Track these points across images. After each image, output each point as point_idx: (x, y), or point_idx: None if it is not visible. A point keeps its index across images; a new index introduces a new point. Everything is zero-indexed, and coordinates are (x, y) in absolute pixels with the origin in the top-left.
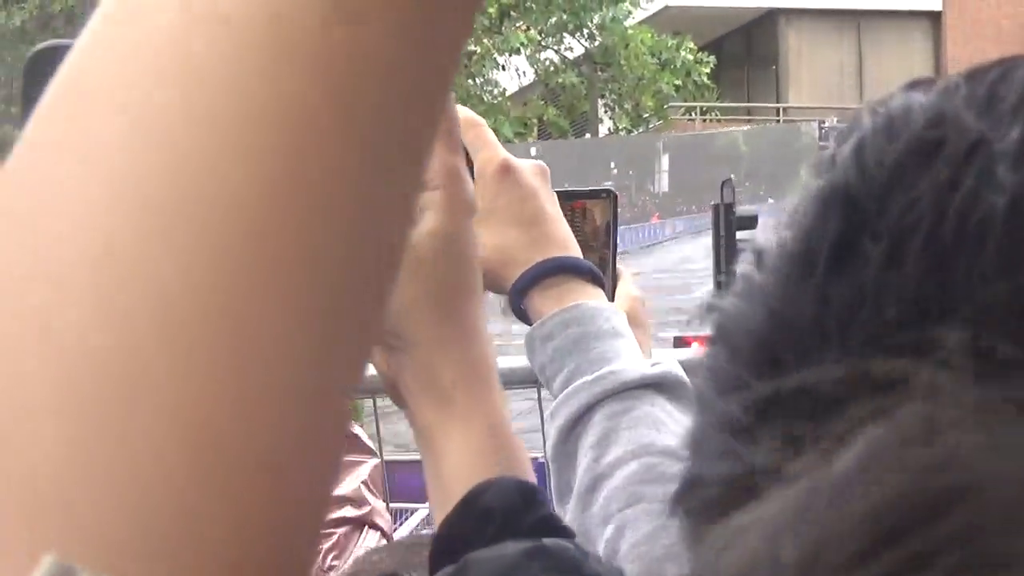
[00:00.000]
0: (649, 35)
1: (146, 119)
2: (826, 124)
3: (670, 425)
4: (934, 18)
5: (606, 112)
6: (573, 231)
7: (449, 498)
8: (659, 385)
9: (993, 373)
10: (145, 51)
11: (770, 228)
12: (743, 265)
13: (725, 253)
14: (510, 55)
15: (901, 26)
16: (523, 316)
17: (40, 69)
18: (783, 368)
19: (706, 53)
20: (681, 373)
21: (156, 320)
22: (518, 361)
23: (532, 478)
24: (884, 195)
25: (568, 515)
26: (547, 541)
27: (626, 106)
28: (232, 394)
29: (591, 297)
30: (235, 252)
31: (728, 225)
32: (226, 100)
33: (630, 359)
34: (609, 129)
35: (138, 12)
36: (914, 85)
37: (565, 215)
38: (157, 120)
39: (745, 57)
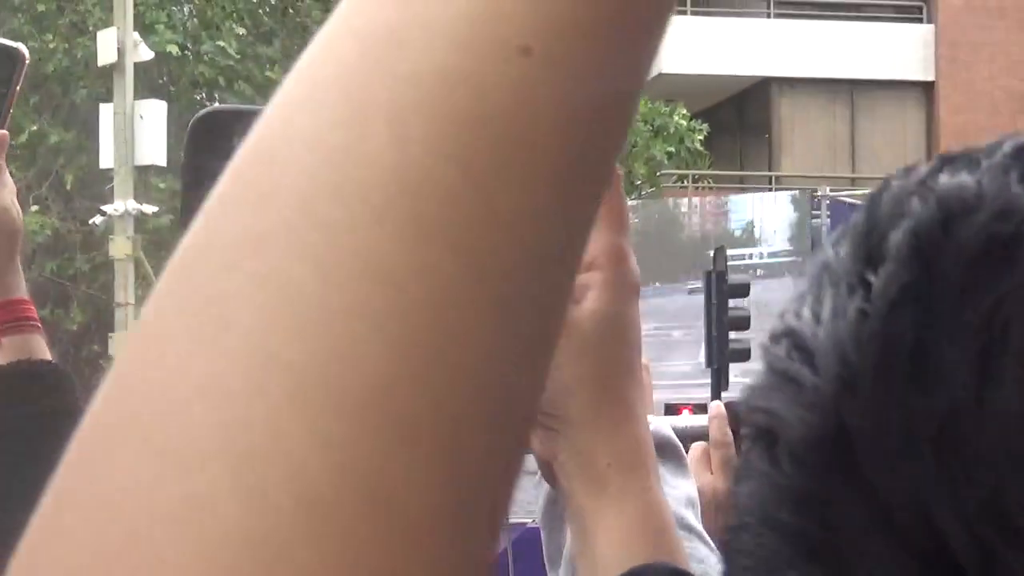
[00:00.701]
0: (642, 102)
1: (280, 288)
2: (819, 193)
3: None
4: (927, 88)
5: None
6: None
7: None
8: None
9: None
10: (276, 218)
11: (799, 313)
12: (780, 358)
13: (716, 320)
14: None
15: (894, 96)
16: None
17: (205, 134)
18: (861, 480)
19: (699, 120)
20: (670, 434)
21: (292, 496)
22: None
23: (687, 564)
24: (960, 296)
25: None
26: None
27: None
28: (371, 564)
29: None
30: (371, 431)
31: (720, 293)
32: (362, 272)
33: None
34: None
35: (267, 180)
36: (951, 161)
37: None
38: (292, 293)
39: (738, 125)
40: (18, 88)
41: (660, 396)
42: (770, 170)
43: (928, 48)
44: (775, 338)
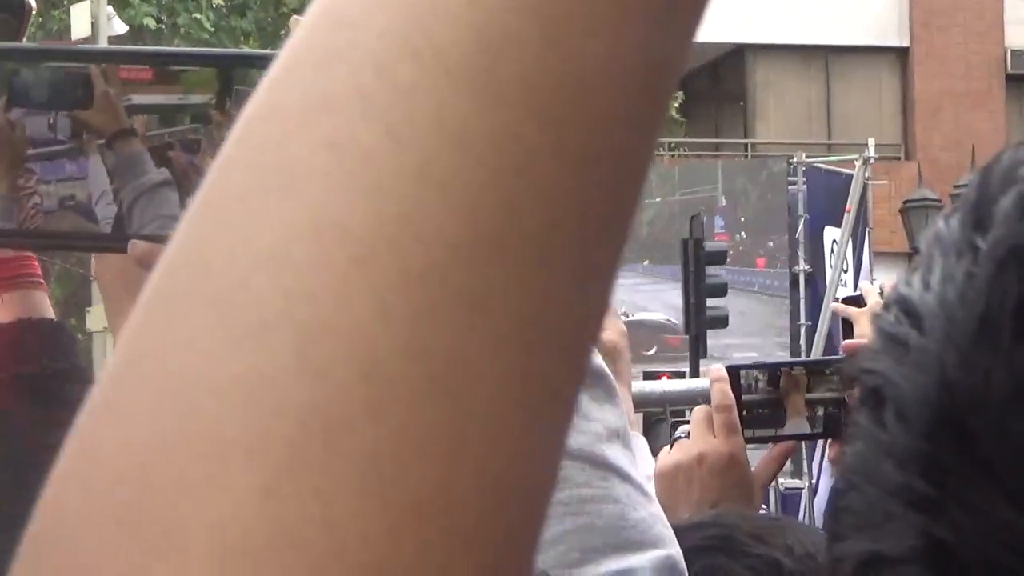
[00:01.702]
0: None
1: (349, 154)
2: (794, 160)
3: (576, 422)
4: (901, 54)
5: None
6: None
7: None
8: None
9: None
10: (345, 81)
11: (909, 282)
12: (890, 323)
13: (694, 288)
14: None
15: (869, 62)
16: None
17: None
18: (968, 439)
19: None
20: (598, 360)
21: (354, 370)
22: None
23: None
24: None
25: None
26: None
27: None
28: (437, 458)
29: None
30: (438, 304)
31: (697, 260)
32: (434, 134)
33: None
34: None
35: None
36: None
37: None
38: (362, 158)
39: (713, 92)
40: (23, 40)
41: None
42: (745, 137)
43: (902, 14)
44: (886, 306)
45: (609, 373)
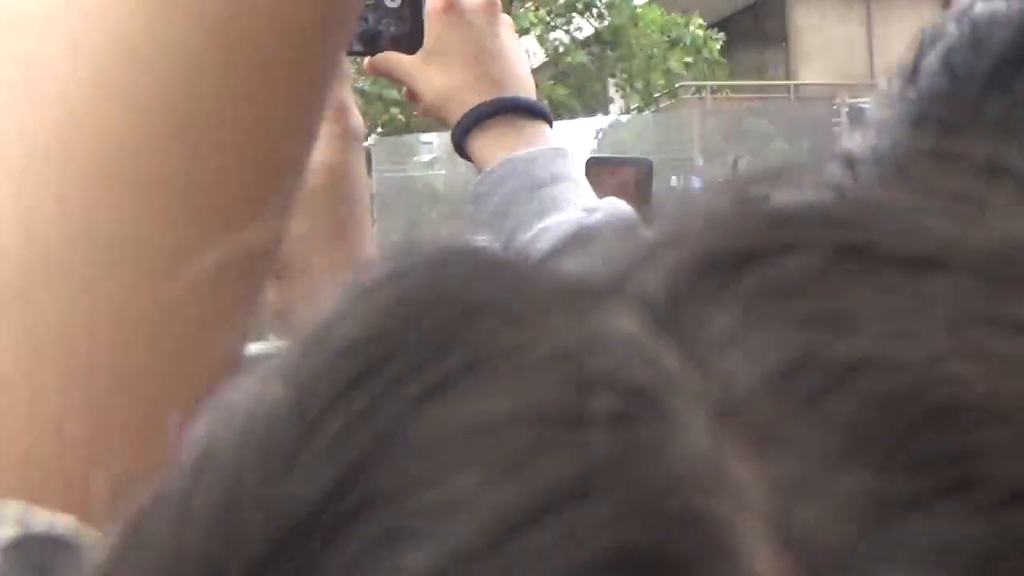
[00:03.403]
0: (658, 13)
1: (35, 68)
2: (837, 101)
3: None
4: None
5: (617, 92)
6: (610, 194)
7: None
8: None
9: None
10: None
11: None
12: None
13: None
14: (520, 35)
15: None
16: (471, 159)
17: None
18: None
19: (715, 30)
20: (623, 210)
21: (29, 248)
22: None
23: None
24: (978, 102)
25: None
26: None
27: (637, 85)
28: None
29: (534, 137)
30: (113, 189)
31: None
32: (110, 46)
33: (568, 207)
34: (620, 108)
35: None
36: None
37: (599, 180)
38: (47, 70)
39: (754, 35)
40: None
41: None
42: (787, 79)
43: None
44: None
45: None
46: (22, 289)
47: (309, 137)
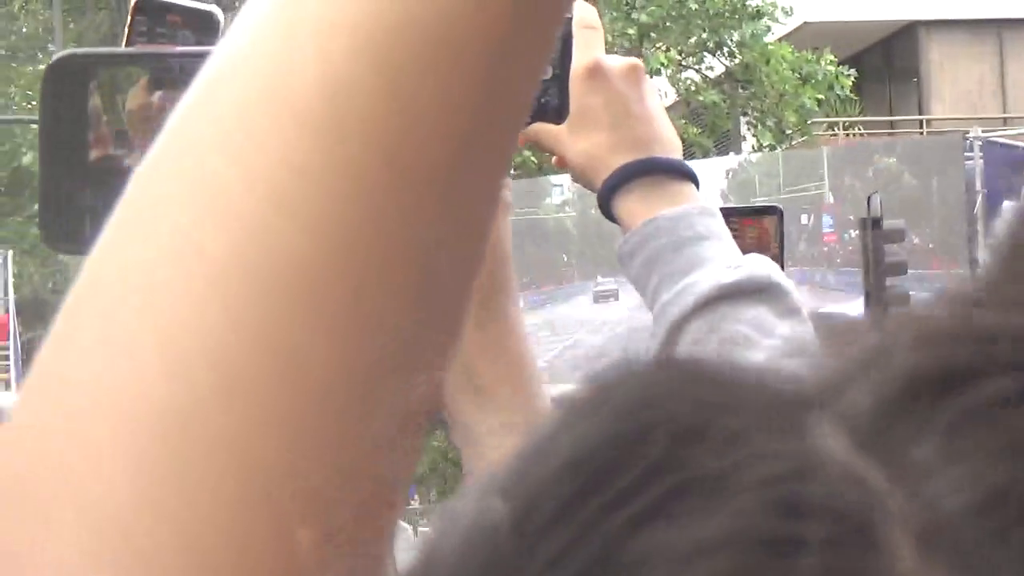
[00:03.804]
0: (789, 51)
1: (208, 188)
2: (970, 135)
3: (753, 337)
4: None
5: (749, 129)
6: (742, 245)
7: None
8: (739, 292)
9: None
10: (213, 127)
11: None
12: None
13: (874, 266)
14: (651, 76)
15: None
16: (617, 221)
17: (61, 79)
18: None
19: (847, 67)
20: (765, 267)
21: (212, 370)
22: None
23: None
24: None
25: None
26: None
27: (769, 123)
28: (282, 435)
29: (678, 196)
30: (286, 308)
31: (875, 238)
32: (282, 168)
33: (712, 264)
34: (752, 147)
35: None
36: None
37: (734, 231)
38: (219, 191)
39: (885, 71)
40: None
41: None
42: (920, 114)
43: None
44: None
45: (785, 285)
46: (204, 401)
47: (479, 255)
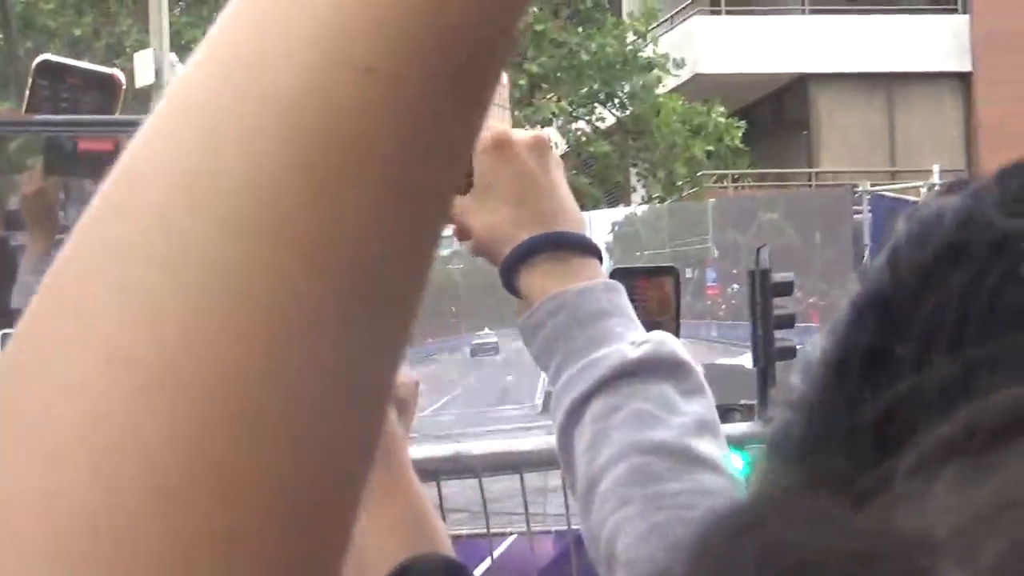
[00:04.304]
0: (680, 102)
1: (135, 294)
2: (859, 188)
3: (659, 415)
4: (964, 79)
5: (639, 180)
6: (637, 308)
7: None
8: (642, 369)
9: None
10: (134, 231)
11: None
12: (794, 377)
13: (762, 319)
14: (542, 126)
15: (931, 88)
16: (519, 295)
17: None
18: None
19: (737, 118)
20: (669, 345)
21: (143, 482)
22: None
23: (452, 554)
24: (914, 299)
25: (580, 518)
26: None
27: (659, 174)
28: (215, 549)
29: (581, 272)
30: (218, 421)
31: (764, 291)
32: (208, 273)
33: (616, 341)
34: (642, 198)
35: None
36: (949, 189)
37: (635, 294)
38: (147, 298)
39: (776, 123)
40: (118, 113)
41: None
42: (809, 166)
43: (963, 38)
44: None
45: (690, 363)
46: (137, 515)
47: (396, 348)
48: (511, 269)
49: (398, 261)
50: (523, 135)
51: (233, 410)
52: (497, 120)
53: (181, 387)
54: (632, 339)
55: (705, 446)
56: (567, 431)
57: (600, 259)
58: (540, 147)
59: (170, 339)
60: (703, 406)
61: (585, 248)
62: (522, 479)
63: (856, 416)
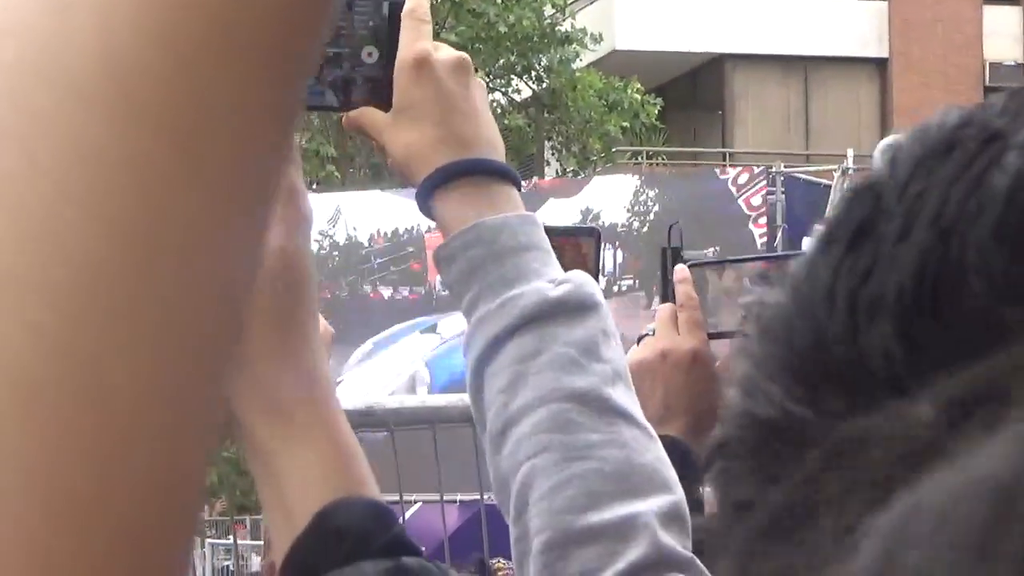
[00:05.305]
0: (596, 78)
1: None
2: (773, 169)
3: (580, 360)
4: (880, 64)
5: (553, 155)
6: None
7: (293, 519)
8: (562, 310)
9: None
10: None
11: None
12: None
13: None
14: None
15: (848, 72)
16: (435, 219)
17: None
18: (798, 343)
19: (653, 96)
20: (588, 287)
21: (7, 384)
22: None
23: (379, 497)
24: (905, 184)
25: (487, 455)
26: (407, 560)
27: (573, 148)
28: (84, 454)
29: (499, 200)
30: (85, 313)
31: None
32: (70, 156)
33: (536, 277)
34: (556, 172)
35: None
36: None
37: (559, 252)
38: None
39: (692, 102)
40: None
41: None
42: (724, 146)
43: (881, 24)
44: None
45: (609, 316)
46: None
47: (261, 243)
48: (428, 193)
49: (262, 148)
50: (444, 55)
51: (98, 303)
52: (415, 34)
53: (42, 280)
54: (551, 276)
55: (620, 395)
56: (481, 368)
57: (519, 187)
58: (462, 68)
59: (28, 227)
60: (617, 352)
61: (505, 175)
62: (435, 436)
63: (837, 282)
